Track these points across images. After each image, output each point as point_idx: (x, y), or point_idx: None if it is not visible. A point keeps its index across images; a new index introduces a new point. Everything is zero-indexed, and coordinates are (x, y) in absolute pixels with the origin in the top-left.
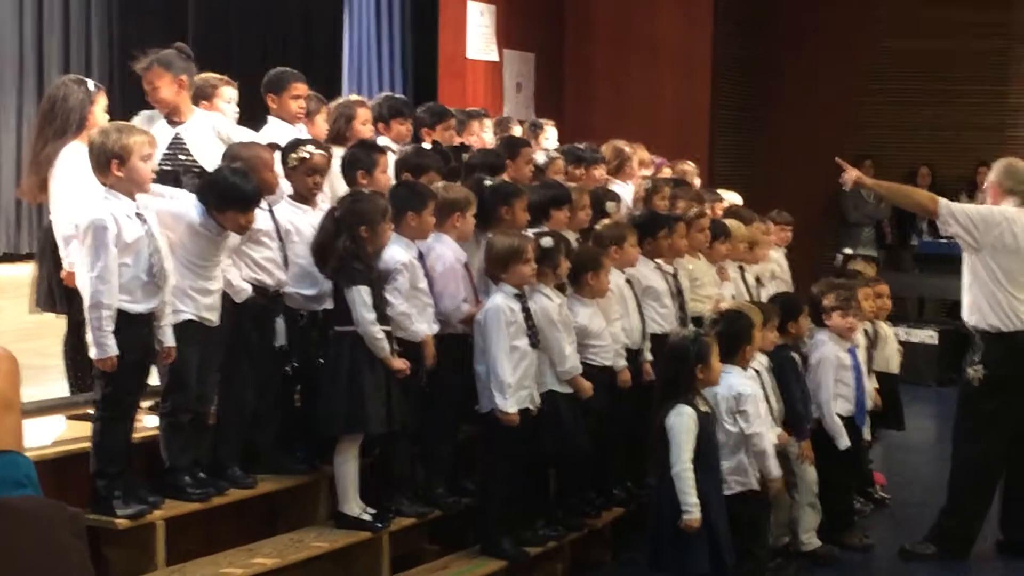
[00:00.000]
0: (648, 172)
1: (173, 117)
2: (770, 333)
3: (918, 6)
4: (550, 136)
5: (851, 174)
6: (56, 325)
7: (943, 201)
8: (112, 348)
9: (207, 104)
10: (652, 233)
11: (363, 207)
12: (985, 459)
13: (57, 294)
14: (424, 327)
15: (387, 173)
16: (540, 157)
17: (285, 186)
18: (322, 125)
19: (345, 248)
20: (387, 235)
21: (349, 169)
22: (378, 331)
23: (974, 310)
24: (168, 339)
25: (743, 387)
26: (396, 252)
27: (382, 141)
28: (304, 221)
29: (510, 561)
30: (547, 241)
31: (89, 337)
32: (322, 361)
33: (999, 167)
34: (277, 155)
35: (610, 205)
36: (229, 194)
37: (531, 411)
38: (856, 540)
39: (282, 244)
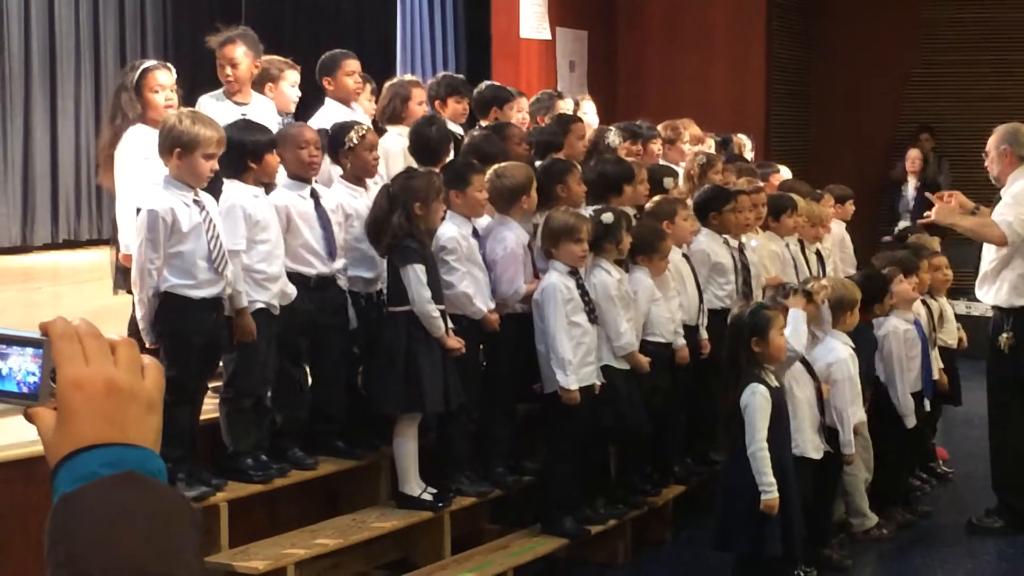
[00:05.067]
0: (700, 147)
1: (237, 98)
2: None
3: None
4: (588, 111)
5: (940, 213)
6: (117, 310)
7: (1008, 229)
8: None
9: (272, 87)
10: (718, 207)
11: (418, 184)
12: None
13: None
14: (482, 304)
15: (483, 192)
16: (613, 139)
17: (334, 170)
18: (366, 104)
19: (400, 226)
20: (440, 213)
21: (446, 185)
22: (434, 310)
23: (1007, 291)
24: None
25: None
26: (445, 229)
27: None
28: (361, 204)
29: (571, 539)
30: (607, 217)
31: (140, 323)
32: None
33: (1008, 134)
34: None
35: (667, 181)
36: (245, 149)
37: (595, 387)
38: (835, 555)
39: (325, 232)
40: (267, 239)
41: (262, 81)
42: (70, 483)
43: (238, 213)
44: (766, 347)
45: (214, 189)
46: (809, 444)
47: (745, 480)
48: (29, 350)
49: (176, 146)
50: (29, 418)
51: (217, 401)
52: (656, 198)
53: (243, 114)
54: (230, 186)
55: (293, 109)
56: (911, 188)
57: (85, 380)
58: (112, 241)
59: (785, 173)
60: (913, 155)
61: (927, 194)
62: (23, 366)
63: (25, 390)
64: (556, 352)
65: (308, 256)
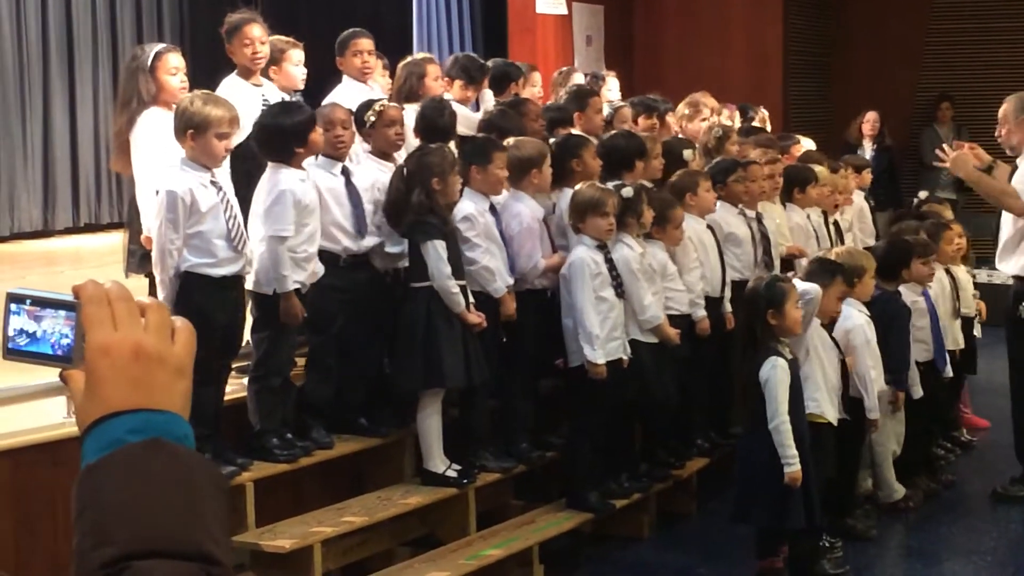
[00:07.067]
0: (718, 118)
1: (250, 79)
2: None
3: None
4: (612, 87)
5: (956, 162)
6: (138, 292)
7: None
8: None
9: (276, 69)
10: (723, 179)
11: (432, 160)
12: None
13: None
14: (501, 282)
15: (504, 170)
16: (604, 109)
17: (363, 147)
18: (381, 81)
19: (420, 203)
20: (457, 186)
21: (466, 161)
22: (454, 285)
23: None
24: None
25: None
26: (463, 206)
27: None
28: (389, 178)
29: (596, 514)
30: (627, 191)
31: None
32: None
33: (1018, 101)
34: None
35: (687, 153)
36: (286, 133)
37: (623, 361)
38: (860, 526)
39: (355, 209)
40: (311, 221)
41: (266, 63)
42: (96, 451)
43: (288, 199)
44: (782, 319)
45: (253, 175)
46: (828, 406)
47: (763, 453)
48: (62, 312)
49: (189, 127)
50: (64, 380)
51: (238, 382)
52: (679, 172)
53: (263, 95)
54: (277, 171)
55: (302, 86)
56: (868, 151)
57: (112, 345)
58: (126, 225)
59: (807, 144)
60: (871, 117)
61: (939, 151)
62: (57, 328)
63: (60, 352)
64: (584, 326)
65: (336, 233)
